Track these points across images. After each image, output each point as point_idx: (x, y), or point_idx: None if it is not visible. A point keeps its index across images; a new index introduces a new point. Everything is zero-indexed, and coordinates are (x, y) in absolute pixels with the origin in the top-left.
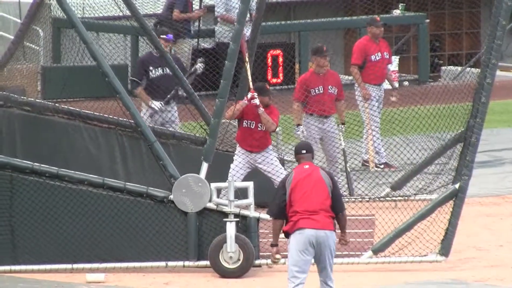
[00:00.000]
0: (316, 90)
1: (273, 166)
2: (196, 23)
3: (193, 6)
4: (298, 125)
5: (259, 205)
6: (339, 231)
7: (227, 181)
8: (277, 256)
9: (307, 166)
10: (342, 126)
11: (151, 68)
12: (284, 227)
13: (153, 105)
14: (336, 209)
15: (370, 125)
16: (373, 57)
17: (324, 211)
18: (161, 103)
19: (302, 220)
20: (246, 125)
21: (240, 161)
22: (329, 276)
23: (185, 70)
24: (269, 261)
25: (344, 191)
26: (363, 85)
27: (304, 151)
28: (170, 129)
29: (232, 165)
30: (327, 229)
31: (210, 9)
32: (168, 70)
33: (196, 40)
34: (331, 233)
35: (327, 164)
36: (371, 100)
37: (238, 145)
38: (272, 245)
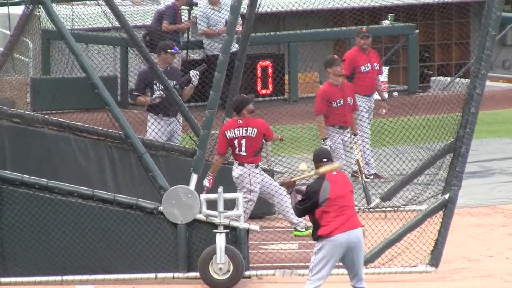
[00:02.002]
0: (338, 102)
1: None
2: (185, 35)
3: (182, 17)
4: (325, 139)
5: (249, 217)
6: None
7: (217, 192)
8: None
9: (335, 173)
10: (355, 137)
11: (155, 81)
12: (319, 231)
13: (156, 98)
14: None
15: (360, 135)
16: (362, 68)
17: (355, 213)
18: (160, 92)
19: (343, 227)
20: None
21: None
22: (361, 278)
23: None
24: (259, 272)
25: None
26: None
27: (326, 160)
28: (177, 137)
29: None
30: (358, 227)
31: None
32: (172, 83)
33: (185, 51)
34: (361, 229)
35: None
36: (361, 110)
37: (253, 166)
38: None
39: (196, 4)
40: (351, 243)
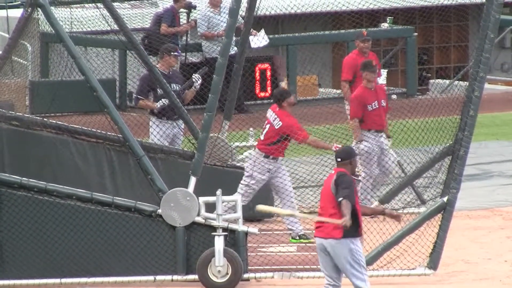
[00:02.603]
0: (373, 105)
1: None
2: (184, 37)
3: (181, 20)
4: (360, 141)
5: (247, 219)
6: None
7: (216, 195)
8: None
9: (332, 172)
10: (390, 139)
11: (158, 85)
12: None
13: (159, 105)
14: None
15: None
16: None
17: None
18: (165, 101)
19: (315, 229)
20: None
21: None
22: (355, 284)
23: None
24: (257, 275)
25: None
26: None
27: (340, 159)
28: (178, 142)
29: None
30: (331, 238)
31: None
32: (175, 86)
33: (184, 54)
34: (336, 241)
35: (381, 177)
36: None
37: (262, 154)
38: None
39: (194, 7)
40: (325, 249)
